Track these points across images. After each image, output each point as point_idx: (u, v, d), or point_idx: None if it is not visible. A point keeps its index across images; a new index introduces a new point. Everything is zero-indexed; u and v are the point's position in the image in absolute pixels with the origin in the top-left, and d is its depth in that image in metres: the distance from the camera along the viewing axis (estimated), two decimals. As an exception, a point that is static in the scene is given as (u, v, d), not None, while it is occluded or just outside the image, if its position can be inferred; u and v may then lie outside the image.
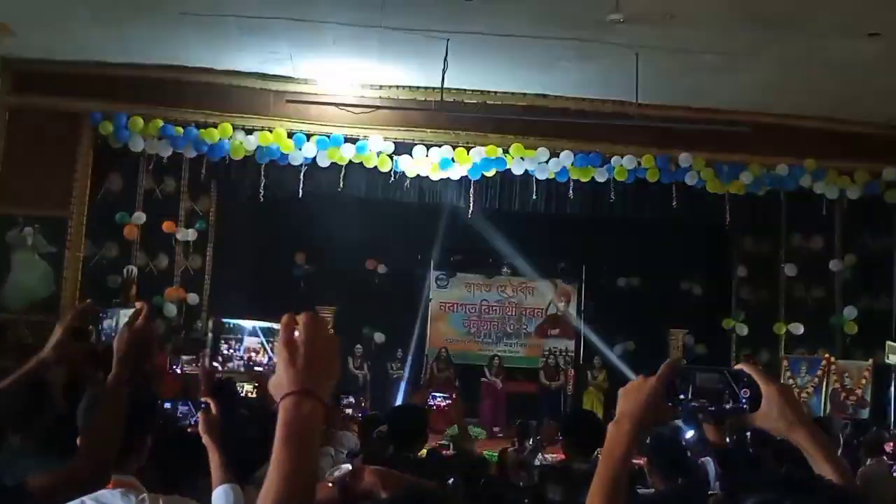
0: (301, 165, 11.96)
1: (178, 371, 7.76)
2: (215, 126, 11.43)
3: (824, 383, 11.97)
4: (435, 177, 11.99)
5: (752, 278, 14.06)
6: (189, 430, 3.30)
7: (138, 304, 2.47)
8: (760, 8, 8.27)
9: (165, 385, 8.84)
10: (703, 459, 6.54)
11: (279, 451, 1.35)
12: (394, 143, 11.67)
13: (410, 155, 11.68)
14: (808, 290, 13.11)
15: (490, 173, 11.90)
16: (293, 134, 11.54)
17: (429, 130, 11.67)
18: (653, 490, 4.34)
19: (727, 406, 1.69)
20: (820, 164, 11.85)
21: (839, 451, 7.31)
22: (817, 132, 11.77)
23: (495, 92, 11.46)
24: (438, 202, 12.81)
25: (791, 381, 12.03)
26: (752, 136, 11.54)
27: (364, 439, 5.89)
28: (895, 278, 12.29)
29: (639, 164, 11.77)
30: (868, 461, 6.45)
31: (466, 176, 11.91)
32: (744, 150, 11.78)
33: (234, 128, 11.45)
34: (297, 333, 1.44)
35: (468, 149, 11.70)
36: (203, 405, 3.27)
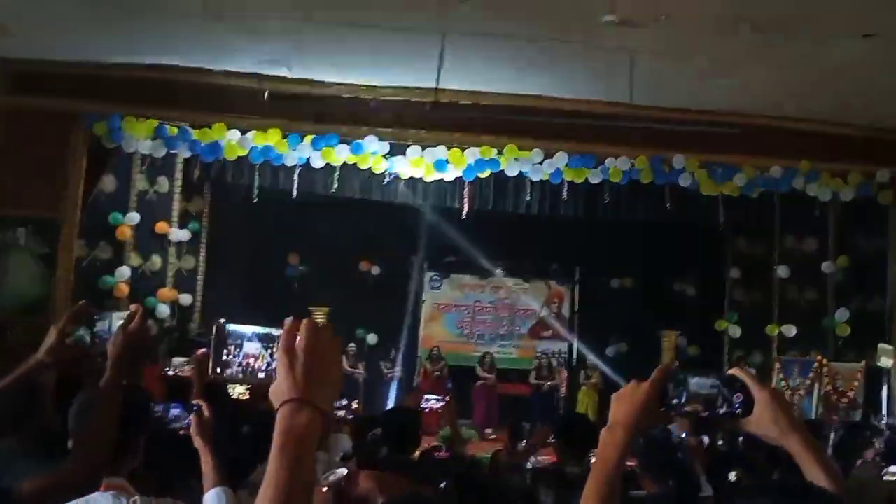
0: (295, 166, 11.95)
1: (171, 373, 7.73)
2: (209, 126, 11.41)
3: (817, 385, 12.00)
4: (429, 178, 11.99)
5: (745, 280, 14.11)
6: (181, 432, 3.29)
7: (133, 308, 2.47)
8: (754, 10, 8.28)
9: (156, 388, 8.82)
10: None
11: (275, 460, 1.33)
12: (388, 143, 11.66)
13: (405, 155, 11.68)
14: (801, 291, 13.15)
15: (484, 174, 11.90)
16: (287, 134, 11.52)
17: (423, 131, 11.67)
18: (644, 492, 4.35)
19: (720, 411, 1.70)
20: (813, 167, 11.87)
21: (830, 453, 7.34)
22: (811, 134, 11.79)
23: (489, 93, 11.45)
24: (432, 203, 12.83)
25: (783, 382, 12.06)
26: (745, 138, 11.57)
27: (357, 441, 5.88)
28: (888, 280, 12.32)
29: (633, 165, 11.77)
30: (859, 463, 6.47)
31: (460, 177, 11.91)
32: (737, 152, 11.80)
33: (228, 128, 11.43)
34: (298, 340, 1.41)
35: (462, 149, 11.69)
36: (195, 407, 3.26)
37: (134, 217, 12.28)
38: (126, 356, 2.38)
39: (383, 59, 10.34)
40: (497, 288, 16.20)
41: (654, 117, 11.32)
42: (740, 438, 6.52)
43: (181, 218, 13.11)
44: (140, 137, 11.34)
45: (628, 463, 1.65)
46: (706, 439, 6.97)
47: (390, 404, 13.80)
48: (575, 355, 15.83)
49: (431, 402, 12.50)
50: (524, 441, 7.04)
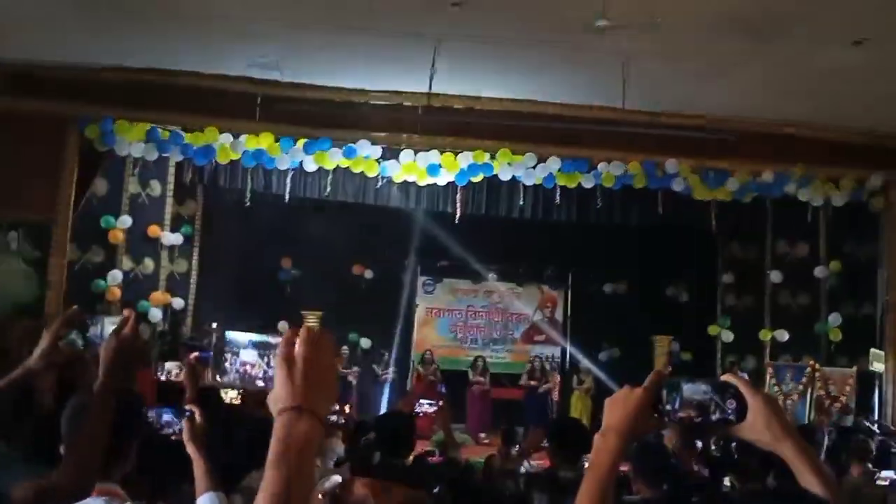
0: (288, 170, 11.94)
1: (163, 378, 7.71)
2: (202, 130, 11.39)
3: (809, 390, 12.03)
4: (422, 182, 11.99)
5: (737, 285, 14.14)
6: (173, 437, 3.28)
7: (125, 313, 2.46)
8: (747, 15, 8.31)
9: (148, 392, 8.80)
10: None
11: (272, 469, 1.32)
12: (381, 148, 11.66)
13: (397, 160, 11.68)
14: (794, 296, 13.19)
15: (477, 178, 11.91)
16: (280, 138, 11.51)
17: (416, 135, 11.67)
18: (638, 497, 4.35)
19: (713, 417, 1.70)
20: (805, 172, 11.91)
21: (822, 458, 7.35)
22: (803, 139, 11.83)
23: (483, 97, 11.47)
24: (425, 207, 12.83)
25: (776, 387, 12.09)
26: (738, 143, 11.62)
27: (350, 446, 5.88)
28: (880, 286, 12.35)
29: (626, 170, 11.80)
30: (853, 468, 6.48)
31: (453, 181, 11.92)
32: (730, 157, 11.83)
33: (221, 132, 11.41)
34: (296, 348, 1.41)
35: (455, 154, 11.70)
36: (188, 413, 3.24)
37: (126, 220, 12.25)
38: (118, 361, 2.37)
39: (376, 63, 10.35)
40: (490, 292, 16.20)
41: (646, 122, 11.36)
42: (733, 444, 6.53)
43: (173, 221, 13.08)
44: (132, 141, 11.32)
45: (622, 467, 1.65)
46: (699, 444, 6.98)
47: (383, 408, 13.79)
48: (568, 360, 15.83)
49: (425, 406, 12.49)
50: (518, 446, 7.04)
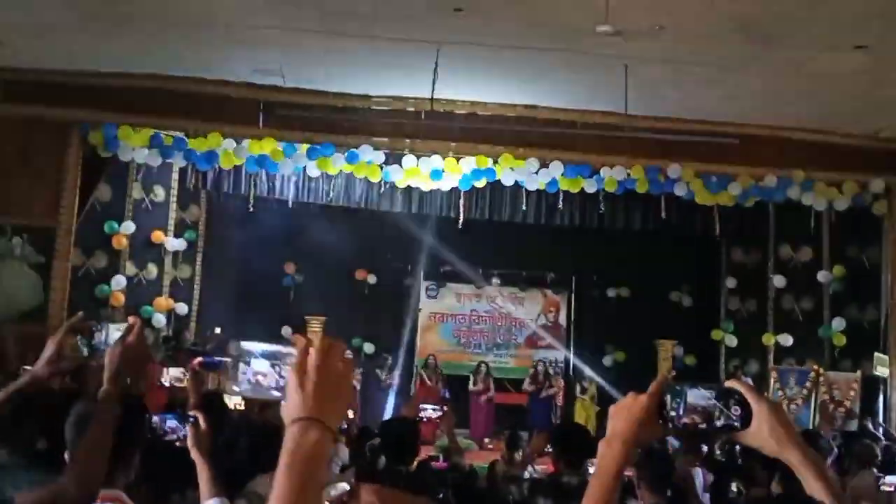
0: (291, 175, 11.95)
1: (167, 383, 7.71)
2: (205, 136, 11.41)
3: (813, 395, 12.00)
4: (425, 187, 12.00)
5: (741, 289, 14.12)
6: (178, 444, 3.28)
7: (131, 320, 2.46)
8: (749, 20, 8.32)
9: (153, 397, 8.79)
10: (693, 469, 6.55)
11: (281, 479, 1.32)
12: (384, 153, 11.67)
13: (400, 165, 11.68)
14: (797, 301, 13.16)
15: (480, 184, 11.91)
16: (283, 144, 11.52)
17: (419, 141, 11.68)
18: (642, 503, 4.34)
19: (718, 423, 1.70)
20: (808, 176, 11.90)
21: (828, 463, 7.34)
22: (805, 144, 11.82)
23: (485, 102, 11.48)
24: (428, 212, 12.83)
25: (780, 392, 12.07)
26: (740, 148, 11.61)
27: (355, 452, 5.87)
28: (883, 290, 12.33)
29: (628, 174, 11.79)
30: (859, 473, 6.47)
31: (456, 186, 11.92)
32: (732, 162, 11.83)
33: (224, 137, 11.43)
34: (310, 359, 1.40)
35: (458, 159, 11.70)
36: (192, 419, 3.25)
37: (130, 226, 12.27)
38: (123, 369, 2.38)
39: (379, 68, 10.36)
40: (493, 297, 16.19)
41: (648, 127, 11.36)
42: (737, 448, 6.52)
43: (177, 227, 13.10)
44: (136, 146, 11.35)
45: (626, 473, 1.65)
46: (704, 449, 6.97)
47: (387, 414, 13.78)
48: (571, 364, 15.81)
49: (429, 411, 12.47)
50: (521, 451, 7.03)
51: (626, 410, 1.64)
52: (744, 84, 10.10)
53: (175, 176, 12.73)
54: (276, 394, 1.49)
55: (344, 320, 14.34)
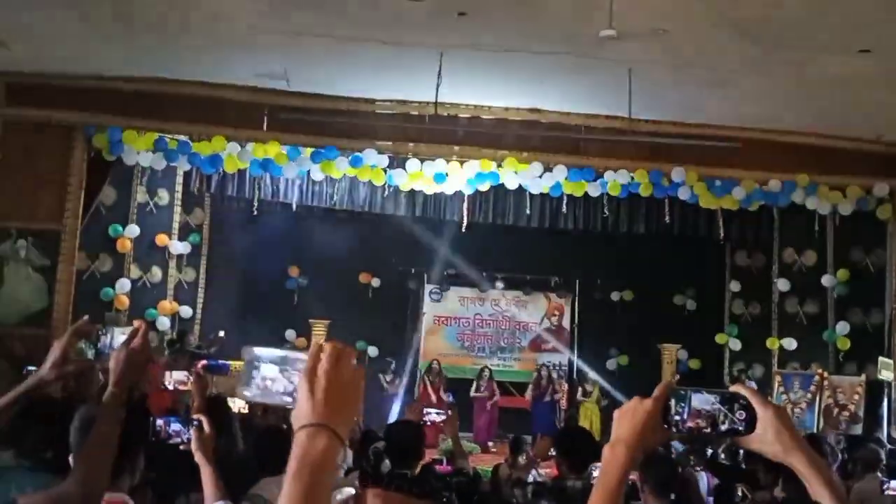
0: (295, 179, 11.96)
1: (171, 387, 7.73)
2: (209, 139, 11.43)
3: (817, 398, 11.97)
4: (429, 191, 12.01)
5: (744, 293, 14.11)
6: (182, 447, 3.29)
7: (136, 323, 2.47)
8: (752, 24, 8.32)
9: (157, 400, 8.79)
10: (698, 473, 6.54)
11: (289, 485, 1.31)
12: (388, 156, 11.68)
13: (404, 169, 11.69)
14: (801, 304, 13.14)
15: (483, 187, 11.92)
16: (287, 147, 11.54)
17: (422, 144, 11.69)
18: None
19: (723, 428, 1.69)
20: (812, 180, 11.89)
21: (833, 467, 7.32)
22: (809, 148, 11.81)
23: (489, 106, 11.49)
24: (432, 216, 12.84)
25: (784, 396, 12.04)
26: (744, 152, 11.61)
27: (358, 455, 5.87)
28: (887, 293, 12.31)
29: (632, 178, 11.79)
30: (864, 477, 6.46)
31: (460, 190, 11.93)
32: (736, 166, 11.82)
33: (228, 141, 11.45)
34: (320, 364, 1.40)
35: (462, 163, 11.72)
36: (196, 422, 3.25)
37: (134, 229, 12.29)
38: (128, 372, 2.38)
39: (382, 72, 10.37)
40: (497, 301, 16.19)
41: (652, 131, 11.36)
42: (741, 451, 6.51)
43: (181, 230, 13.12)
44: (140, 150, 11.37)
45: (630, 476, 1.65)
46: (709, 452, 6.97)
47: (390, 417, 13.77)
48: (575, 368, 15.81)
49: (432, 415, 12.47)
50: (525, 454, 7.02)
51: (630, 415, 1.64)
52: (747, 88, 10.10)
53: (179, 179, 12.75)
54: (288, 399, 1.48)
55: (348, 324, 14.33)
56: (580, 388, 14.69)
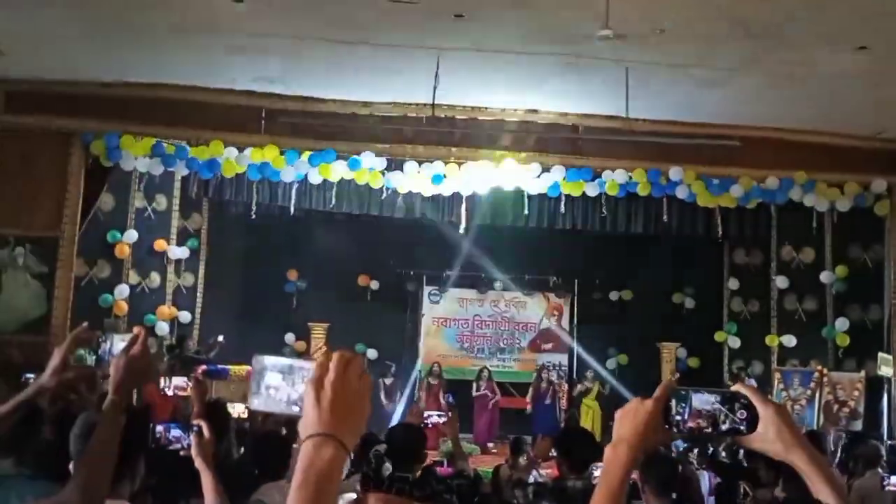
0: (293, 182, 11.96)
1: (170, 392, 7.71)
2: (206, 144, 11.42)
3: (817, 395, 11.98)
4: (427, 192, 12.00)
5: (743, 291, 14.12)
6: (182, 453, 3.28)
7: (136, 330, 2.47)
8: (749, 22, 8.32)
9: (157, 407, 8.79)
10: (698, 472, 6.55)
11: (294, 495, 1.31)
12: (385, 159, 11.68)
13: (402, 171, 11.69)
14: (800, 302, 13.15)
15: (482, 188, 11.92)
16: (285, 151, 11.54)
17: (420, 146, 11.69)
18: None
19: (724, 427, 1.69)
20: (809, 177, 11.90)
21: (834, 464, 7.33)
22: (806, 145, 11.82)
23: (486, 108, 11.49)
24: (430, 218, 12.84)
25: (784, 393, 12.05)
26: (741, 150, 11.62)
27: (358, 458, 5.86)
28: (886, 289, 12.32)
29: (630, 178, 11.80)
30: (865, 474, 6.46)
31: (458, 191, 11.92)
32: (734, 164, 11.82)
33: (226, 145, 11.44)
34: (328, 374, 1.39)
35: (459, 164, 11.71)
36: (196, 428, 3.25)
37: (132, 235, 12.29)
38: (128, 379, 2.38)
39: (379, 75, 10.37)
40: (496, 301, 16.20)
41: (650, 130, 11.37)
42: (741, 450, 6.51)
43: (180, 235, 13.12)
44: (138, 155, 11.35)
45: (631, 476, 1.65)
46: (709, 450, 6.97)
47: (390, 420, 13.77)
48: (575, 368, 15.82)
49: (433, 417, 12.47)
50: (526, 455, 7.02)
51: (631, 415, 1.64)
52: (744, 86, 10.10)
53: (177, 184, 12.75)
54: (296, 409, 1.47)
55: (347, 326, 14.36)
56: (581, 388, 14.67)
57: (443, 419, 6.72)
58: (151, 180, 12.12)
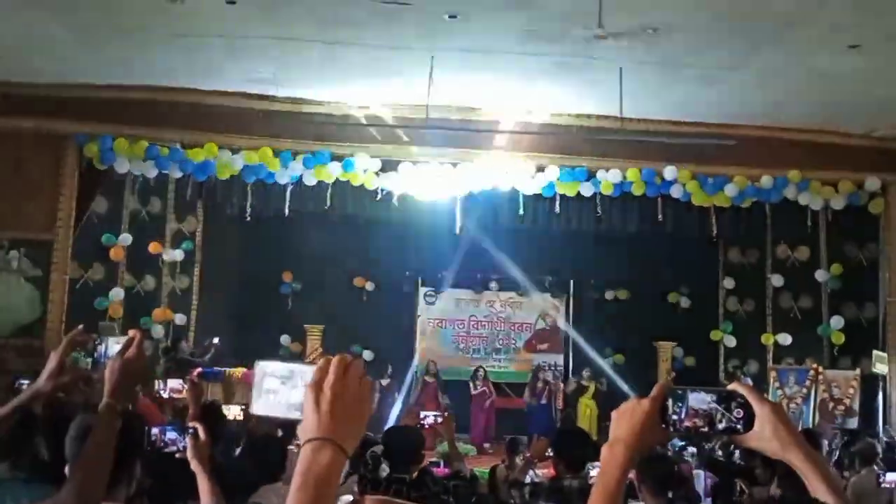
0: (287, 184, 11.95)
1: (165, 395, 7.69)
2: (201, 146, 11.40)
3: (813, 393, 12.01)
4: (421, 193, 11.99)
5: (738, 289, 14.13)
6: (178, 455, 3.28)
7: (131, 333, 2.46)
8: (742, 21, 8.33)
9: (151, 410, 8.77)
10: (694, 471, 6.55)
11: (293, 498, 1.31)
12: (380, 160, 11.67)
13: (397, 172, 11.68)
14: (795, 300, 13.18)
15: (477, 189, 11.92)
16: (279, 153, 11.53)
17: (414, 147, 11.68)
18: (644, 505, 4.34)
19: (720, 426, 1.69)
20: (804, 176, 11.93)
21: (830, 462, 7.34)
22: (800, 143, 11.85)
23: (480, 108, 11.48)
24: (425, 219, 12.83)
25: (779, 391, 12.08)
26: (736, 149, 11.61)
27: (356, 459, 5.86)
28: (881, 287, 12.36)
29: (624, 177, 11.82)
30: (861, 471, 6.48)
31: (453, 192, 11.92)
32: (728, 163, 11.85)
33: (220, 147, 11.43)
34: (327, 378, 1.39)
35: (454, 165, 11.71)
36: (191, 430, 3.25)
37: (127, 238, 12.26)
38: (123, 382, 2.37)
39: (373, 76, 10.36)
40: (492, 302, 16.19)
41: (644, 130, 11.37)
42: (737, 449, 6.52)
43: (174, 238, 13.09)
44: (132, 158, 11.33)
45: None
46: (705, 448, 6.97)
47: (387, 421, 13.76)
48: (571, 368, 15.82)
49: (430, 418, 12.46)
50: (522, 455, 7.02)
51: (628, 415, 1.64)
52: (738, 85, 10.12)
53: (171, 187, 12.72)
54: (297, 413, 1.46)
55: (343, 328, 14.34)
56: (577, 388, 14.65)
57: (439, 420, 6.70)
58: (146, 183, 12.10)
